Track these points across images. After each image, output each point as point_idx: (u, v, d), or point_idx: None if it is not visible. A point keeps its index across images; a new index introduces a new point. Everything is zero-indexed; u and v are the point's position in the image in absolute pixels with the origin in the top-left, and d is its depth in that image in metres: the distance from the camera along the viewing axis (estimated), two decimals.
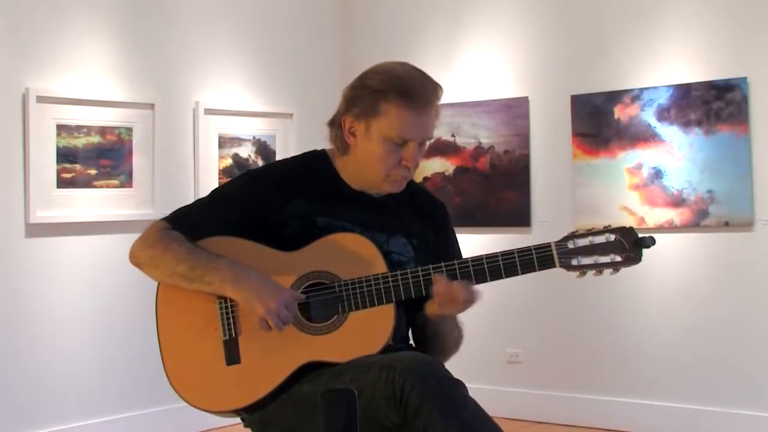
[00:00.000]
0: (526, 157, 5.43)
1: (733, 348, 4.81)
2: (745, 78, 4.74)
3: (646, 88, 5.01)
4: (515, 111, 5.47)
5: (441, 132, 5.63)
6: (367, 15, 6.11)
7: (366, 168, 2.41)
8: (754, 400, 4.74)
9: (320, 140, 2.53)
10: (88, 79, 4.91)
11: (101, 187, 4.92)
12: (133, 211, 5.00)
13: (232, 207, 2.44)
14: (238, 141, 5.50)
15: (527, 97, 5.45)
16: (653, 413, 4.99)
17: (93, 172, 4.89)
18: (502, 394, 5.34)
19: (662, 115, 4.96)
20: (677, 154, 4.92)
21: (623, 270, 2.34)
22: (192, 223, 2.43)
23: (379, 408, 2.13)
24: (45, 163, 4.70)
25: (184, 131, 5.29)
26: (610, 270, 2.31)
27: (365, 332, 2.31)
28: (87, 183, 4.87)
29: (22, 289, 4.67)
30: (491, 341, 5.44)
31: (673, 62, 4.97)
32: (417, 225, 2.51)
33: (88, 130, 4.87)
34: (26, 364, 4.66)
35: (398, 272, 2.32)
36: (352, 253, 2.35)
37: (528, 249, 2.30)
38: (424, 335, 2.50)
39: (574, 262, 2.30)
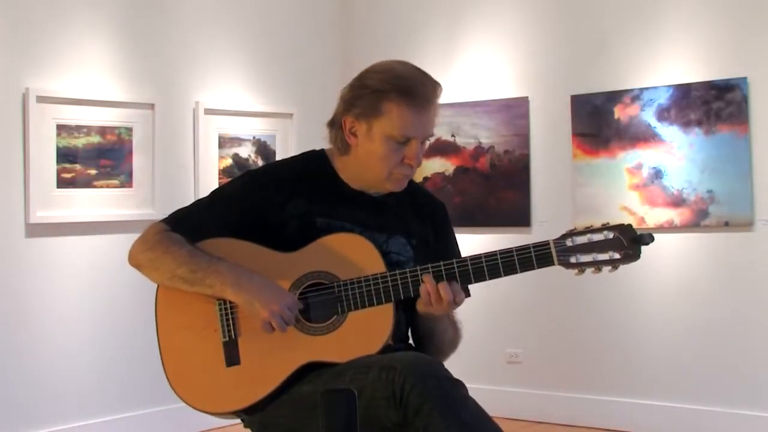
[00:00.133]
0: (526, 157, 5.43)
1: (733, 348, 4.81)
2: (745, 78, 4.74)
3: (646, 88, 5.01)
4: (515, 111, 5.47)
5: (441, 132, 5.63)
6: (367, 15, 6.11)
7: (367, 168, 2.40)
8: (754, 400, 4.74)
9: (320, 140, 2.53)
10: (88, 79, 4.91)
11: (101, 187, 4.92)
12: (133, 211, 5.00)
13: (232, 207, 2.44)
14: (238, 141, 5.50)
15: (527, 97, 5.45)
16: (653, 413, 4.99)
17: (93, 172, 4.89)
18: (502, 394, 5.34)
19: (662, 115, 4.96)
20: (677, 154, 4.92)
21: (622, 269, 2.34)
22: (192, 224, 2.43)
23: (379, 408, 2.13)
24: (45, 163, 4.70)
25: (184, 131, 5.29)
26: (609, 267, 2.31)
27: (364, 332, 2.31)
28: (87, 183, 4.87)
29: (22, 289, 4.67)
30: (491, 341, 5.44)
31: (673, 62, 4.97)
32: (417, 225, 2.51)
33: (88, 130, 4.87)
34: (26, 364, 4.66)
35: (397, 272, 2.32)
36: (351, 254, 2.35)
37: (526, 247, 2.30)
38: (420, 334, 2.50)
39: (573, 259, 2.30)
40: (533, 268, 2.30)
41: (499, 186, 5.51)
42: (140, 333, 4.55)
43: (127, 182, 5.03)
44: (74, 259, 4.85)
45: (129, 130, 5.03)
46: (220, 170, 5.39)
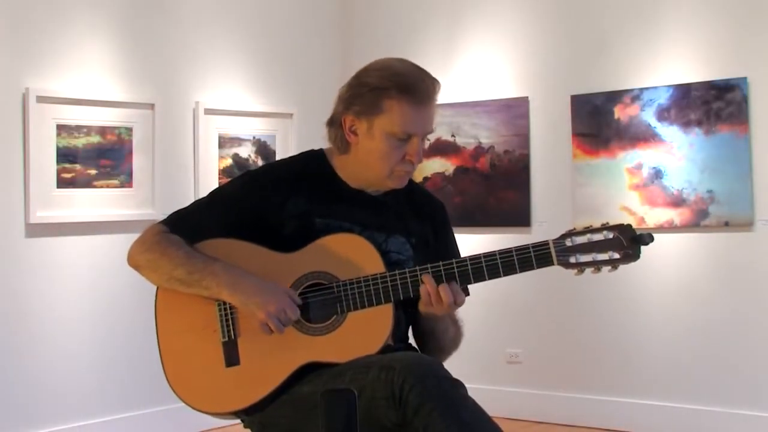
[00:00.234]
0: (526, 157, 5.43)
1: (733, 348, 4.81)
2: (745, 78, 4.74)
3: (646, 88, 5.01)
4: (515, 111, 5.47)
5: (441, 132, 5.63)
6: (367, 15, 6.11)
7: (368, 166, 2.40)
8: (754, 400, 4.74)
9: (320, 140, 2.53)
10: (88, 79, 4.91)
11: (101, 187, 4.92)
12: (133, 211, 5.00)
13: (231, 207, 2.44)
14: (238, 141, 5.50)
15: (527, 97, 5.45)
16: (653, 413, 4.99)
17: (93, 172, 4.89)
18: (502, 394, 5.34)
19: (662, 115, 4.96)
20: (677, 154, 4.92)
21: (622, 269, 2.34)
22: (191, 225, 2.43)
23: (379, 408, 2.13)
24: (45, 163, 4.70)
25: (184, 131, 5.29)
26: (609, 267, 2.30)
27: (364, 332, 2.31)
28: (87, 183, 4.87)
29: (22, 289, 4.67)
30: (491, 341, 5.44)
31: (673, 62, 4.97)
32: (416, 225, 2.51)
33: (88, 130, 4.87)
34: (26, 364, 4.66)
35: (396, 272, 2.32)
36: (351, 254, 2.35)
37: (526, 247, 2.30)
38: (422, 334, 2.51)
39: (572, 259, 2.29)
40: (533, 268, 2.30)
41: (499, 186, 5.51)
42: (140, 333, 4.55)
43: (127, 182, 5.03)
44: (74, 259, 4.85)
45: (129, 130, 5.03)
46: (220, 170, 5.39)
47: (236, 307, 2.34)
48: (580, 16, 5.30)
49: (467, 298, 2.39)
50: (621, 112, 5.08)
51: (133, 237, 2.46)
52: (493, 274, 2.31)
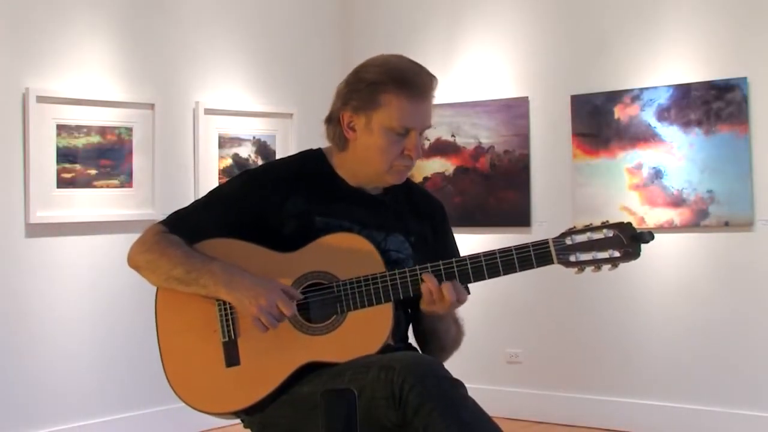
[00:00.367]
0: (526, 157, 5.43)
1: (733, 348, 4.81)
2: (745, 78, 4.73)
3: (646, 88, 5.01)
4: (515, 111, 5.47)
5: (441, 132, 5.63)
6: (367, 15, 6.11)
7: (367, 162, 2.40)
8: (754, 400, 4.74)
9: (320, 140, 2.53)
10: (88, 79, 4.91)
11: (101, 187, 4.92)
12: (133, 211, 5.00)
13: (230, 207, 2.44)
14: (238, 141, 5.50)
15: (527, 97, 5.45)
16: (653, 413, 4.99)
17: (93, 172, 4.89)
18: (502, 394, 5.34)
19: (662, 115, 4.96)
20: (677, 154, 4.92)
21: (622, 269, 2.34)
22: (190, 225, 2.43)
23: (379, 408, 2.13)
24: (45, 163, 4.70)
25: (184, 131, 5.29)
26: (609, 266, 2.30)
27: (364, 332, 2.31)
28: (87, 183, 4.87)
29: (22, 289, 4.67)
30: (491, 341, 5.44)
31: (673, 62, 4.97)
32: (415, 224, 2.51)
33: (88, 130, 4.87)
34: (26, 364, 4.66)
35: (396, 271, 2.32)
36: (350, 253, 2.35)
37: (525, 246, 2.29)
38: (423, 333, 2.51)
39: (572, 258, 2.29)
40: (532, 267, 2.30)
41: (499, 186, 5.51)
42: (140, 333, 4.56)
43: (127, 182, 5.03)
44: (74, 259, 4.85)
45: (129, 130, 5.03)
46: (220, 170, 5.39)
47: (234, 306, 2.34)
48: (580, 16, 5.30)
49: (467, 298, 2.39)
50: (621, 112, 5.08)
51: (133, 237, 2.46)
52: (493, 273, 2.30)
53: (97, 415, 4.89)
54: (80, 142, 4.84)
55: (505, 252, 2.30)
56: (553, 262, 2.29)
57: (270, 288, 2.29)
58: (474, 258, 2.31)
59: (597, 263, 2.29)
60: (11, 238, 4.63)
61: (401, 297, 2.32)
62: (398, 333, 2.42)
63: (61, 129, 4.76)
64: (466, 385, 2.17)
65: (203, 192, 2.70)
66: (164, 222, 2.47)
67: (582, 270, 2.30)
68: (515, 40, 5.50)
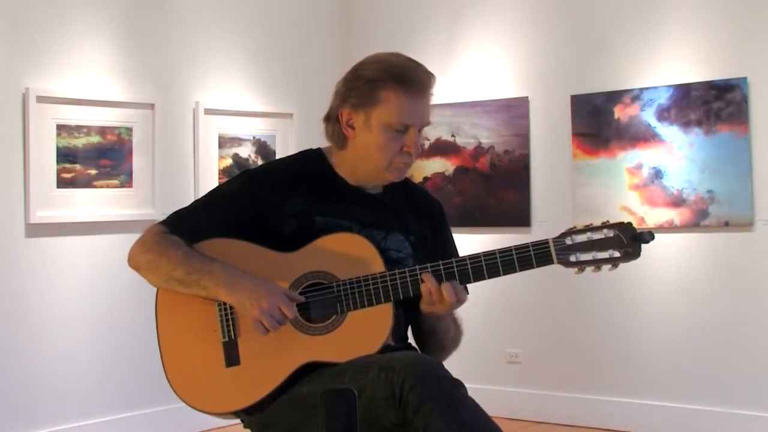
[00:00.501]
0: (526, 157, 5.43)
1: (733, 348, 4.81)
2: (745, 78, 4.73)
3: (646, 88, 5.01)
4: (515, 111, 5.47)
5: (441, 132, 5.63)
6: (367, 15, 6.11)
7: (366, 159, 2.41)
8: (754, 400, 4.74)
9: (320, 140, 2.53)
10: (88, 79, 4.91)
11: (101, 187, 4.92)
12: (133, 211, 5.00)
13: (230, 207, 2.44)
14: (238, 141, 5.50)
15: (527, 97, 5.45)
16: (653, 413, 4.99)
17: (93, 172, 4.89)
18: (502, 394, 5.34)
19: (662, 115, 4.96)
20: (677, 154, 4.92)
21: (622, 269, 2.34)
22: (190, 225, 2.43)
23: (379, 408, 2.13)
24: (45, 163, 4.70)
25: (184, 131, 5.29)
26: (609, 266, 2.30)
27: (364, 332, 2.31)
28: (87, 183, 4.87)
29: (22, 289, 4.67)
30: (491, 341, 5.44)
31: (673, 62, 4.97)
32: (415, 224, 2.51)
33: (88, 130, 4.87)
34: (26, 364, 4.66)
35: (396, 271, 2.32)
36: (350, 253, 2.35)
37: (525, 246, 2.29)
38: (423, 333, 2.51)
39: (572, 258, 2.29)
40: (532, 267, 2.30)
41: (499, 186, 5.51)
42: (140, 333, 4.56)
43: (127, 182, 5.03)
44: (74, 259, 4.85)
45: (129, 130, 5.03)
46: (220, 170, 5.39)
47: (235, 307, 2.34)
48: (580, 16, 5.30)
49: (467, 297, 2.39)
50: (621, 112, 5.08)
51: (133, 237, 2.46)
52: (493, 273, 2.30)
53: (97, 415, 4.89)
54: (80, 142, 4.84)
55: (504, 252, 2.30)
56: (553, 262, 2.29)
57: (271, 290, 2.30)
58: (474, 258, 2.31)
59: (597, 263, 2.29)
60: (11, 238, 4.63)
61: (401, 297, 2.32)
62: (398, 333, 2.42)
63: (61, 129, 4.76)
64: (466, 385, 2.17)
65: (203, 192, 2.70)
66: (164, 222, 2.46)
67: (582, 270, 2.30)
68: (515, 40, 5.50)
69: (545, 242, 2.29)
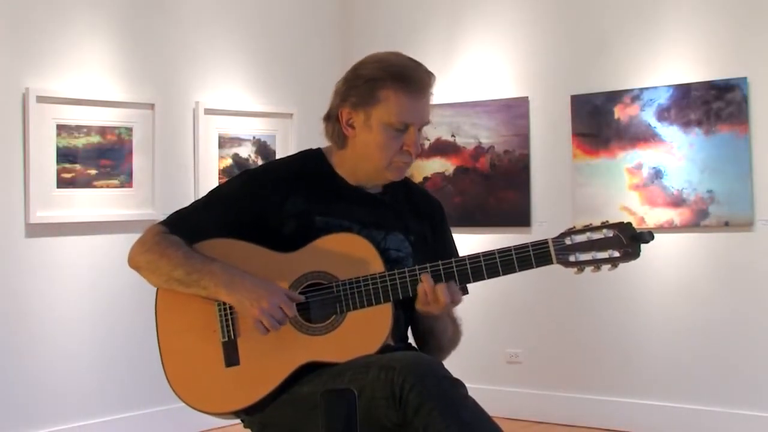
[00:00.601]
0: (526, 157, 5.43)
1: (733, 348, 4.81)
2: (745, 78, 4.73)
3: (646, 88, 5.01)
4: (515, 111, 5.47)
5: (441, 132, 5.63)
6: (367, 15, 6.11)
7: (366, 159, 2.41)
8: (754, 400, 4.74)
9: (320, 140, 2.53)
10: (88, 79, 4.91)
11: (101, 187, 4.92)
12: (133, 211, 5.00)
13: (230, 207, 2.44)
14: (238, 141, 5.50)
15: (527, 97, 5.44)
16: (653, 413, 4.99)
17: (93, 172, 4.89)
18: (502, 394, 5.34)
19: (662, 115, 4.96)
20: (677, 154, 4.92)
21: (622, 269, 2.34)
22: (190, 226, 2.43)
23: (379, 408, 2.13)
24: (45, 163, 4.70)
25: (184, 131, 5.29)
26: (608, 266, 2.30)
27: (363, 332, 2.31)
28: (87, 183, 4.87)
29: (22, 289, 4.67)
30: (491, 341, 5.44)
31: (673, 62, 4.97)
32: (415, 223, 2.51)
33: (88, 130, 4.87)
34: (26, 364, 4.66)
35: (395, 271, 2.32)
36: (350, 253, 2.35)
37: (525, 246, 2.30)
38: (421, 333, 2.51)
39: (572, 258, 2.29)
40: (532, 267, 2.30)
41: (499, 186, 5.51)
42: (140, 333, 4.55)
43: (127, 182, 5.03)
44: (74, 259, 4.85)
45: (129, 130, 5.03)
46: (220, 170, 5.40)
47: (235, 308, 2.34)
48: (580, 16, 5.30)
49: (467, 298, 2.39)
50: (621, 112, 5.08)
51: (133, 237, 2.46)
52: (492, 273, 2.31)
53: (97, 415, 4.89)
54: (80, 142, 4.84)
55: (504, 252, 2.30)
56: (552, 262, 2.29)
57: (271, 290, 2.30)
58: (473, 258, 2.31)
59: (596, 263, 2.29)
60: (11, 238, 4.63)
61: (401, 297, 2.32)
62: (398, 333, 2.42)
63: (61, 129, 4.76)
64: (466, 385, 2.17)
65: (203, 192, 2.70)
66: (164, 222, 2.47)
67: (581, 270, 2.30)
68: (515, 40, 5.50)
69: (545, 242, 2.29)
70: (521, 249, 2.29)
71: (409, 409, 2.09)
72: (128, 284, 4.59)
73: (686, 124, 4.89)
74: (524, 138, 5.44)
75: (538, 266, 2.30)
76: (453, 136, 5.64)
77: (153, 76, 5.17)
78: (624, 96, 5.07)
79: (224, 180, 5.16)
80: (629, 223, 2.32)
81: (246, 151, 5.52)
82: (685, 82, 4.90)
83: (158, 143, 5.11)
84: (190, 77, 5.33)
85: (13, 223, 4.64)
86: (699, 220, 4.86)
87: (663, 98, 4.96)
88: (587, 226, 2.32)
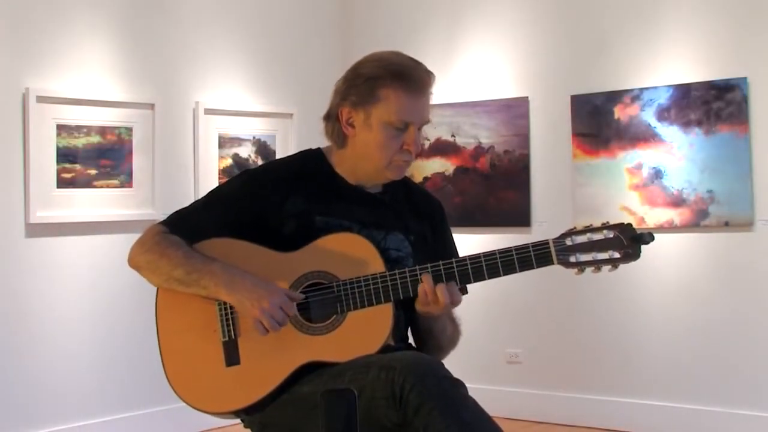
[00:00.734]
0: (526, 157, 5.43)
1: (733, 348, 4.81)
2: (745, 78, 4.73)
3: (646, 88, 5.01)
4: (515, 111, 5.47)
5: (441, 132, 5.63)
6: (367, 15, 6.11)
7: (366, 158, 2.41)
8: (754, 400, 4.74)
9: (320, 140, 2.53)
10: (88, 79, 4.91)
11: (101, 187, 4.92)
12: (133, 211, 5.00)
13: (230, 207, 2.44)
14: (238, 141, 5.50)
15: (527, 97, 5.44)
16: (653, 413, 4.99)
17: (93, 172, 4.89)
18: (502, 394, 5.34)
19: (662, 115, 4.96)
20: (677, 154, 4.92)
21: (622, 269, 2.34)
22: (190, 225, 2.43)
23: (379, 408, 2.13)
24: (45, 163, 4.70)
25: (184, 131, 5.29)
26: (609, 267, 2.30)
27: (364, 332, 2.31)
28: (87, 183, 4.87)
29: (22, 289, 4.67)
30: (491, 341, 5.44)
31: (673, 62, 4.97)
32: (415, 223, 2.51)
33: (88, 130, 4.87)
34: (26, 364, 4.66)
35: (396, 272, 2.32)
36: (351, 253, 2.35)
37: (526, 246, 2.30)
38: (420, 333, 2.51)
39: (572, 259, 2.29)
40: (533, 267, 2.30)
41: (499, 186, 5.51)
42: (140, 333, 4.56)
43: (127, 182, 5.03)
44: (74, 259, 4.85)
45: (129, 130, 5.03)
46: (220, 170, 5.39)
47: (235, 307, 2.34)
48: (580, 16, 5.30)
49: (467, 297, 2.39)
50: (621, 112, 5.08)
51: (133, 237, 2.46)
52: (493, 273, 2.31)
53: (97, 415, 4.89)
54: (80, 142, 4.84)
55: (505, 252, 2.30)
56: (553, 263, 2.30)
57: (272, 291, 2.30)
58: (474, 258, 2.31)
59: (597, 264, 2.30)
60: (11, 238, 4.63)
61: (401, 297, 2.32)
62: (398, 333, 2.42)
63: (61, 129, 4.76)
64: (466, 385, 2.17)
65: (203, 192, 2.70)
66: (164, 222, 2.47)
67: (582, 271, 2.30)
68: (515, 40, 5.50)
69: (545, 243, 2.29)
70: (522, 249, 2.30)
71: (409, 409, 2.09)
72: (128, 284, 4.60)
73: (686, 124, 4.89)
74: (524, 138, 5.44)
75: (538, 267, 2.30)
76: (453, 136, 5.64)
77: (153, 76, 5.17)
78: (624, 96, 5.07)
79: (224, 180, 5.17)
80: (630, 224, 2.32)
81: (246, 151, 5.52)
82: (685, 82, 4.90)
83: (158, 143, 5.11)
84: (190, 77, 5.33)
85: (13, 223, 4.64)
86: (699, 220, 4.86)
87: (663, 98, 4.96)
88: (588, 227, 2.32)
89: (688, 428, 4.88)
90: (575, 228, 2.33)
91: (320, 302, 2.33)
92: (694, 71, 4.90)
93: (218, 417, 2.44)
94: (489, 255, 2.31)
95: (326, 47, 6.04)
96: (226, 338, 2.36)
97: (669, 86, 4.95)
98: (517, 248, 2.30)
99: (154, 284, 2.42)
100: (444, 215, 2.61)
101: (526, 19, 5.47)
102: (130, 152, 5.03)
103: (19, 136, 4.64)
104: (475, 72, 5.62)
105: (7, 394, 4.59)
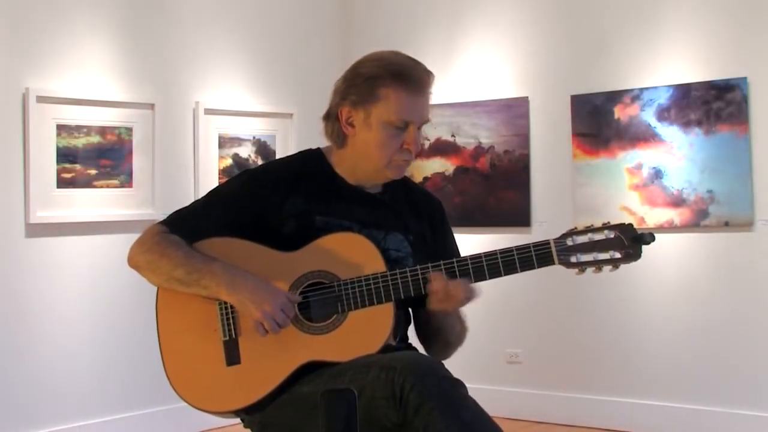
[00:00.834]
0: (526, 157, 5.43)
1: (733, 348, 4.81)
2: (745, 78, 4.73)
3: (646, 88, 5.01)
4: (515, 111, 5.47)
5: (441, 132, 5.63)
6: (367, 15, 6.11)
7: (366, 158, 2.41)
8: (754, 400, 4.74)
9: (320, 140, 2.53)
10: (88, 79, 4.91)
11: (101, 187, 4.92)
12: (133, 211, 5.00)
13: (230, 207, 2.44)
14: (238, 141, 5.50)
15: (527, 97, 5.44)
16: (653, 413, 4.99)
17: (93, 172, 4.89)
18: (502, 394, 5.34)
19: (662, 115, 4.96)
20: (677, 154, 4.92)
21: (623, 269, 2.34)
22: (190, 225, 2.43)
23: (379, 408, 2.13)
24: (45, 163, 4.70)
25: (184, 131, 5.29)
26: (610, 267, 2.31)
27: (364, 331, 2.31)
28: (87, 183, 4.87)
29: (22, 289, 4.67)
30: (491, 341, 5.44)
31: (673, 62, 4.97)
32: (414, 223, 2.51)
33: (88, 130, 4.87)
34: (26, 364, 4.66)
35: (397, 271, 2.32)
36: (351, 253, 2.35)
37: (527, 246, 2.30)
38: (428, 331, 2.50)
39: (573, 259, 2.30)
40: (534, 268, 2.30)
41: (499, 186, 5.51)
42: (140, 333, 4.56)
43: (127, 182, 5.02)
44: (74, 259, 4.84)
45: (129, 130, 5.02)
46: (220, 170, 5.39)
47: (236, 308, 2.34)
48: (580, 16, 5.30)
49: None
50: (621, 112, 5.08)
51: (133, 237, 2.46)
52: (494, 273, 2.31)
53: (97, 415, 4.89)
54: (80, 142, 4.84)
55: (506, 252, 2.30)
56: (554, 263, 2.30)
57: (273, 293, 2.30)
58: (475, 258, 2.32)
59: (598, 264, 2.30)
60: (11, 238, 4.63)
61: (402, 296, 2.32)
62: (398, 333, 2.42)
63: (61, 129, 4.76)
64: (466, 385, 2.17)
65: (203, 192, 2.70)
66: (164, 222, 2.47)
67: (583, 271, 2.30)
68: (515, 40, 5.50)
69: (546, 243, 2.30)
70: (523, 249, 2.30)
71: (409, 409, 2.09)
72: (128, 284, 4.59)
73: (686, 124, 4.89)
74: (524, 138, 5.44)
75: (539, 267, 2.31)
76: (453, 136, 5.64)
77: (153, 76, 5.16)
78: (624, 96, 5.07)
79: (224, 180, 5.18)
80: (630, 224, 2.32)
81: (246, 151, 5.52)
82: (685, 82, 4.90)
83: (158, 143, 5.11)
84: (190, 77, 5.33)
85: (13, 223, 4.64)
86: (699, 220, 4.86)
87: (663, 98, 4.96)
88: (589, 227, 2.32)
89: (688, 428, 4.88)
90: (576, 228, 2.33)
91: (321, 302, 2.33)
92: (694, 71, 4.90)
93: (218, 417, 2.44)
94: (490, 255, 2.31)
95: (326, 47, 6.04)
96: (227, 338, 2.36)
97: (669, 86, 4.95)
98: (518, 248, 2.30)
99: (154, 284, 2.42)
100: (444, 215, 2.61)
101: (526, 19, 5.47)
102: (130, 152, 5.02)
103: (19, 136, 4.64)
104: (475, 72, 5.62)
105: (7, 394, 4.59)
